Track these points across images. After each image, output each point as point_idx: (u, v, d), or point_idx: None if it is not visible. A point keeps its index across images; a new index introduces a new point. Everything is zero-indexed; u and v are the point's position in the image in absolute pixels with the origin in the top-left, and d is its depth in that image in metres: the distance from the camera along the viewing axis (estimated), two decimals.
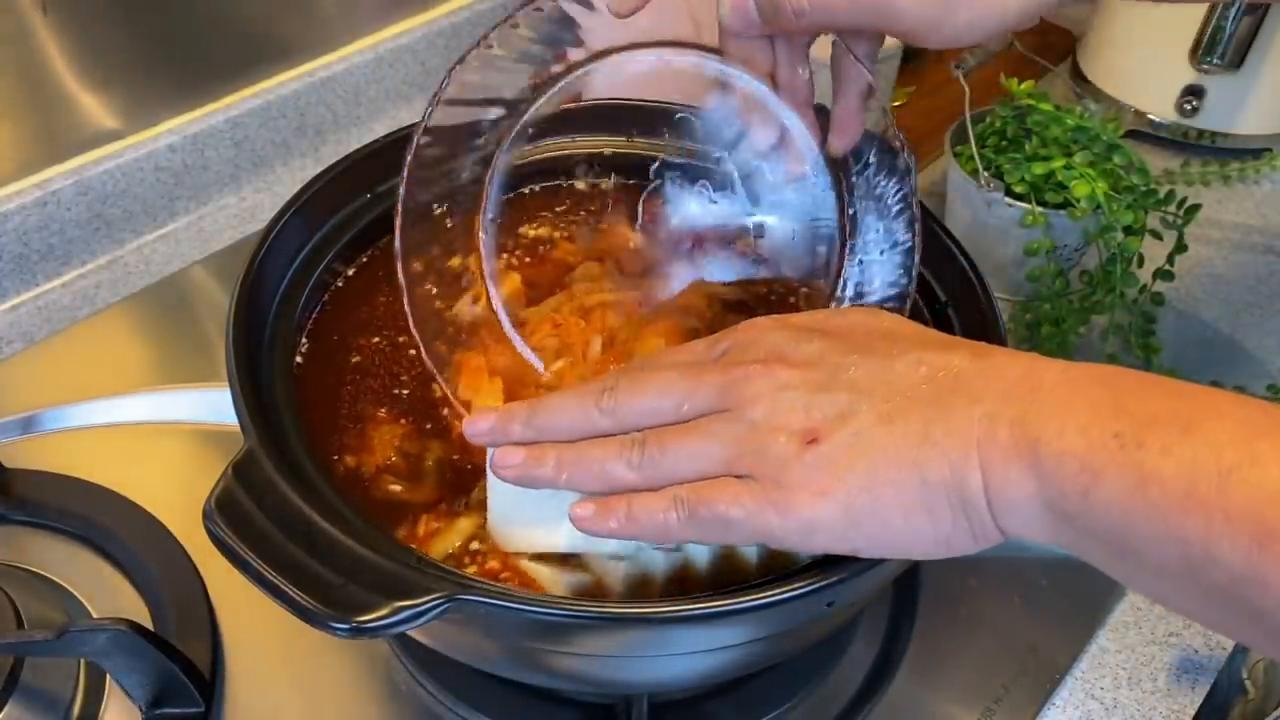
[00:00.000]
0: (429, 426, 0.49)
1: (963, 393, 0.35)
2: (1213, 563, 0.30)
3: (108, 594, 0.54)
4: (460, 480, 0.47)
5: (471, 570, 0.43)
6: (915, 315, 0.54)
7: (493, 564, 0.44)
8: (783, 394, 0.36)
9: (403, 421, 0.49)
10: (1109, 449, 0.31)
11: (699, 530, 0.36)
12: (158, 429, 0.64)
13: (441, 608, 0.35)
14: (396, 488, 0.46)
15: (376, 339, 0.52)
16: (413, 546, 0.43)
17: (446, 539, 0.44)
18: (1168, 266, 0.70)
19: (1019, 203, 0.69)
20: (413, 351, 0.52)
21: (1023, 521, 0.34)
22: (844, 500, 0.35)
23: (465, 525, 0.45)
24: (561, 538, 0.41)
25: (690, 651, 0.41)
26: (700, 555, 0.42)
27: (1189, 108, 0.89)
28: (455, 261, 0.48)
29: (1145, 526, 0.31)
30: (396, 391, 0.50)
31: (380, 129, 0.89)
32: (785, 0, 0.42)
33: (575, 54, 0.45)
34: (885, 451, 0.35)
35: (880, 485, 0.35)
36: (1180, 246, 0.70)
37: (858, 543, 0.36)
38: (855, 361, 0.37)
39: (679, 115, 0.50)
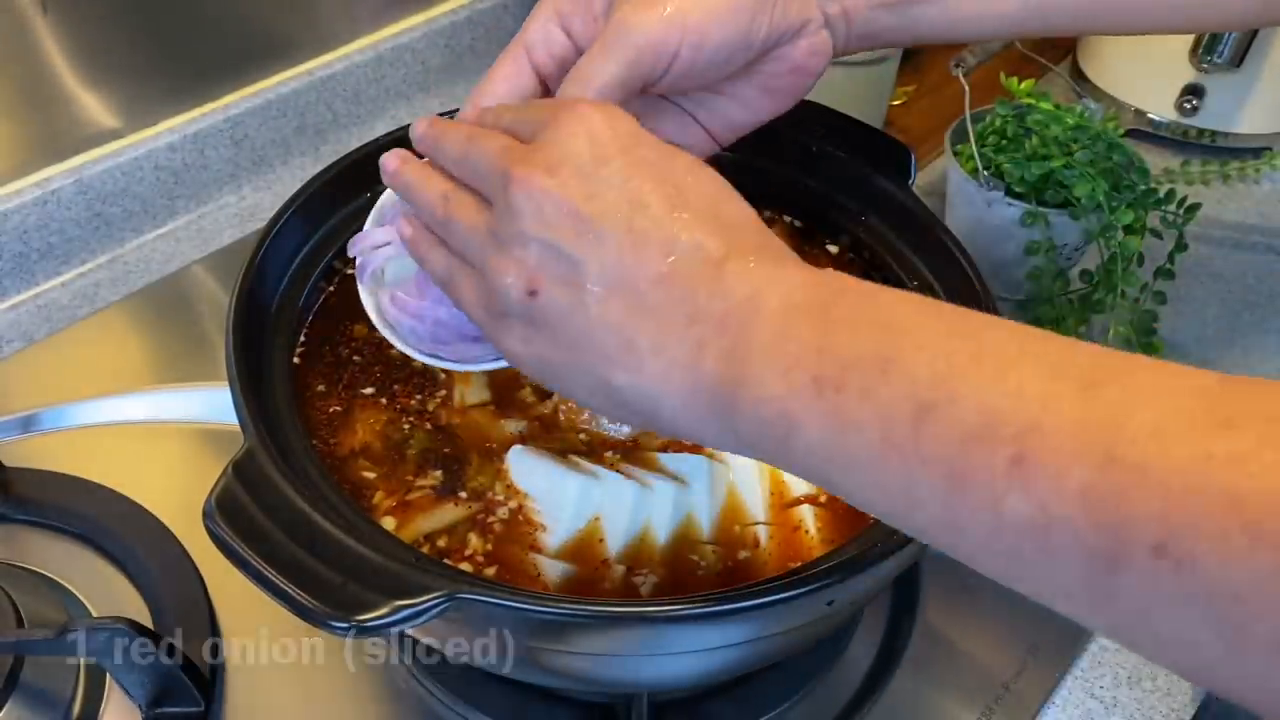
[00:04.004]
0: (429, 425, 0.49)
1: (688, 304, 0.33)
2: (916, 509, 0.29)
3: (108, 593, 0.54)
4: (459, 474, 0.47)
5: (465, 566, 0.43)
6: None
7: (477, 554, 0.44)
8: (537, 228, 0.35)
9: (402, 418, 0.49)
10: (808, 393, 0.30)
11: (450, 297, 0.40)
12: (158, 428, 0.64)
13: (441, 607, 0.35)
14: (394, 482, 0.46)
15: (376, 337, 0.52)
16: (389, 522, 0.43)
17: (428, 519, 0.45)
18: (1169, 265, 0.70)
19: (1019, 202, 0.69)
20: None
21: (724, 446, 0.34)
22: (536, 366, 0.36)
23: (451, 513, 0.45)
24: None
25: (690, 650, 0.41)
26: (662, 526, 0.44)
27: (1189, 107, 0.89)
28: None
29: (848, 474, 0.30)
30: (395, 389, 0.50)
31: (380, 128, 0.89)
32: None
33: None
34: (588, 337, 0.34)
35: (568, 371, 0.35)
36: (1181, 245, 0.70)
37: (562, 393, 0.37)
38: (611, 229, 0.34)
39: None
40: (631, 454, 0.49)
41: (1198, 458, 0.24)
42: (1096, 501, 0.25)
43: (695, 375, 0.33)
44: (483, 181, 0.38)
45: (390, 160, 0.41)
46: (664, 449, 0.49)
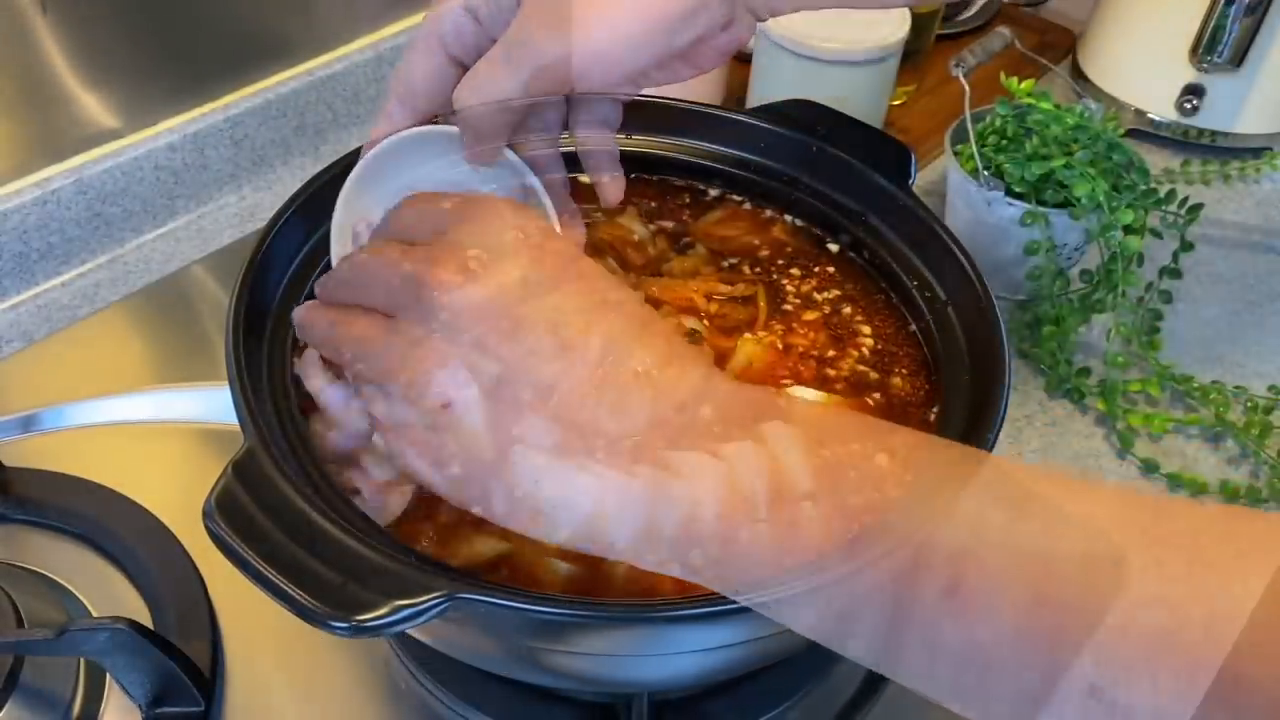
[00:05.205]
0: None
1: (631, 408, 0.33)
2: (854, 628, 0.29)
3: (108, 593, 0.54)
4: None
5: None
6: (915, 315, 0.54)
7: (484, 551, 0.44)
8: (456, 332, 0.33)
9: None
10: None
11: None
12: (158, 428, 0.64)
13: (441, 606, 0.35)
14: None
15: None
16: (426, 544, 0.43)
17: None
18: (1174, 265, 0.70)
19: (1019, 202, 0.69)
20: None
21: (646, 561, 0.34)
22: (448, 486, 0.35)
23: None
24: None
25: (690, 650, 0.41)
26: None
27: (1189, 107, 0.89)
28: None
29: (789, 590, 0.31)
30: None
31: None
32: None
33: None
34: (510, 446, 0.33)
35: (486, 481, 0.34)
36: (1186, 245, 0.70)
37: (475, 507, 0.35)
38: (542, 334, 0.33)
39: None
40: None
41: (1128, 599, 0.24)
42: (1029, 641, 0.25)
43: (627, 481, 0.32)
44: (382, 293, 0.35)
45: (297, 312, 0.40)
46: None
